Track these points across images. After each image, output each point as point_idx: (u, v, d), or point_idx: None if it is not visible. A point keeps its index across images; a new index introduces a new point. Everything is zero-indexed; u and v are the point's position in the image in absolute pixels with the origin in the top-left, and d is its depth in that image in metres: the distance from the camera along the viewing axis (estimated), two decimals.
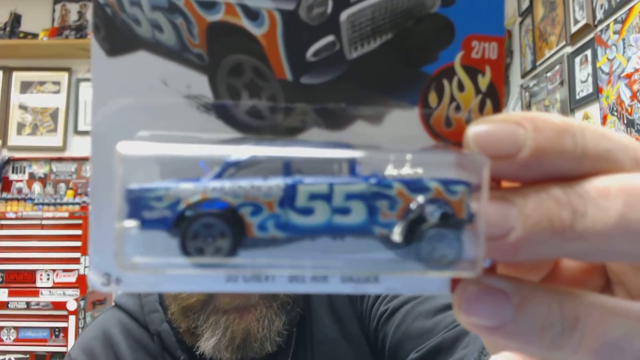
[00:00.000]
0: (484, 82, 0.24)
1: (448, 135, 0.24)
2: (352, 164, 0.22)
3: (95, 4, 0.22)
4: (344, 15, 0.23)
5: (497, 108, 0.24)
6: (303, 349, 0.81)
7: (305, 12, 0.22)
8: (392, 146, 0.23)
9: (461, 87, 0.24)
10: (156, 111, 0.22)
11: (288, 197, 0.21)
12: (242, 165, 0.21)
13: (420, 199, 0.22)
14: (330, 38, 0.23)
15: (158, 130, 0.22)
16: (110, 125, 0.22)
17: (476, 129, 0.22)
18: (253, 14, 0.22)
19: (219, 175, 0.21)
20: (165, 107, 0.22)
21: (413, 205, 0.22)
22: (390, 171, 0.22)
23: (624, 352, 0.22)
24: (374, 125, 0.23)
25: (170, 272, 0.22)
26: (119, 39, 0.22)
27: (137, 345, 0.78)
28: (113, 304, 0.85)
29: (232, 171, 0.21)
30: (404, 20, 0.24)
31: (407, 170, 0.22)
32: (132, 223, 0.21)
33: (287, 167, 0.21)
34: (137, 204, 0.21)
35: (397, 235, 0.21)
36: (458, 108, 0.24)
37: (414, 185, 0.22)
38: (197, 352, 0.73)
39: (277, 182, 0.21)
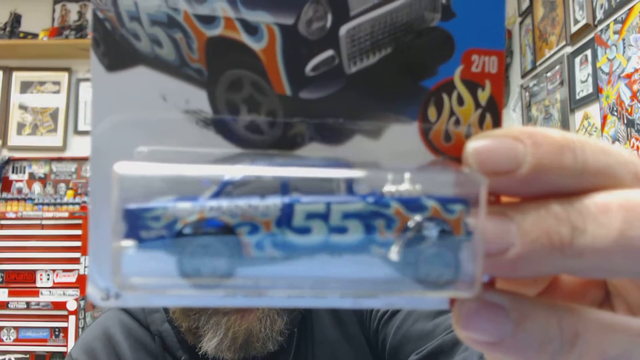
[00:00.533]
0: (483, 96, 0.24)
1: (447, 150, 0.24)
2: (349, 182, 0.22)
3: (95, 19, 0.22)
4: (343, 30, 0.23)
5: (497, 122, 0.24)
6: (304, 350, 0.81)
7: (305, 27, 0.22)
8: (391, 161, 0.23)
9: (461, 102, 0.24)
10: (155, 126, 0.22)
11: (285, 216, 0.21)
12: (240, 184, 0.21)
13: (418, 218, 0.21)
14: (329, 52, 0.23)
15: (157, 146, 0.22)
16: (110, 140, 0.22)
17: (475, 145, 0.22)
18: (252, 29, 0.22)
19: (216, 195, 0.21)
20: (164, 122, 0.22)
21: (410, 224, 0.21)
22: (389, 188, 0.22)
23: None
24: (373, 140, 0.23)
25: (168, 293, 0.22)
26: (118, 54, 0.22)
27: (138, 346, 0.78)
28: None
29: (229, 190, 0.21)
30: (403, 35, 0.23)
31: (405, 187, 0.22)
32: (129, 242, 0.21)
33: (285, 186, 0.21)
34: (135, 224, 0.21)
35: (394, 254, 0.21)
36: (457, 122, 0.24)
37: (412, 204, 0.21)
38: (198, 352, 0.74)
39: (275, 202, 0.21)
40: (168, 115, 0.22)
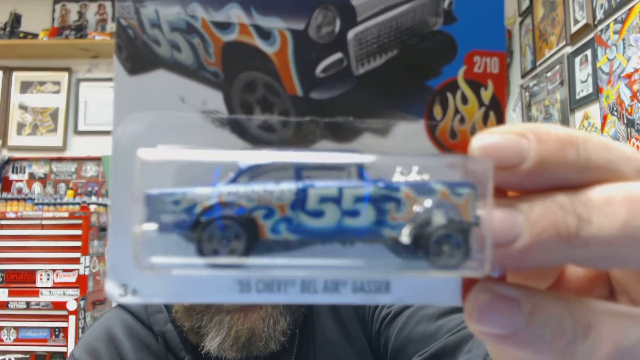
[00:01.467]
0: (486, 95, 0.25)
1: (453, 147, 0.25)
2: (360, 169, 0.23)
3: (118, 26, 0.24)
4: (351, 34, 0.24)
5: (501, 120, 0.25)
6: (306, 350, 0.81)
7: (315, 32, 0.24)
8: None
9: (465, 100, 0.25)
10: (174, 126, 0.24)
11: (299, 200, 0.22)
12: (255, 171, 0.22)
13: (427, 201, 0.22)
14: (338, 55, 0.24)
15: (175, 145, 0.23)
16: (130, 140, 0.23)
17: (481, 140, 0.22)
18: (265, 34, 0.24)
19: (233, 180, 0.22)
20: (182, 122, 0.24)
21: (420, 208, 0.22)
22: (398, 177, 0.23)
23: (637, 359, 0.22)
24: (381, 137, 0.24)
25: (187, 273, 0.23)
26: (140, 58, 0.24)
27: (141, 346, 0.78)
28: (115, 303, 0.84)
29: (245, 176, 0.22)
30: (408, 38, 0.25)
31: (414, 177, 0.23)
32: (151, 226, 0.22)
33: (298, 172, 0.22)
34: (156, 208, 0.22)
35: (405, 236, 0.22)
36: (462, 120, 0.25)
37: (421, 188, 0.23)
38: (201, 351, 0.74)
39: (289, 186, 0.22)
40: (186, 115, 0.24)
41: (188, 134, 0.24)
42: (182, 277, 0.23)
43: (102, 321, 0.83)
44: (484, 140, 0.22)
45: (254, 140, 0.24)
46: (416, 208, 0.22)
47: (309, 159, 0.23)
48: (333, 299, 0.23)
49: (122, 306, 0.82)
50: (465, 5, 0.25)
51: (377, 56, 0.24)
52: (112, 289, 0.23)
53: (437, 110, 0.25)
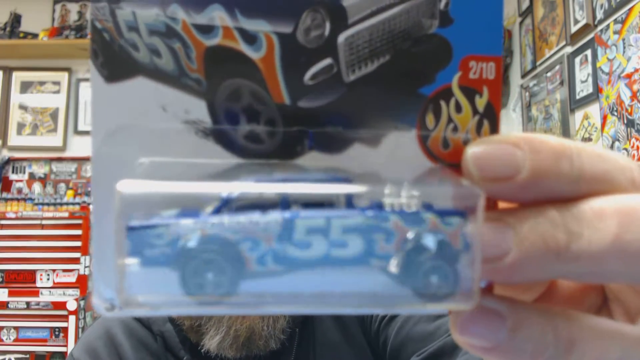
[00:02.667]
0: (481, 102, 0.24)
1: (445, 157, 0.24)
2: (348, 195, 0.22)
3: (93, 29, 0.22)
4: (341, 38, 0.23)
5: (495, 129, 0.24)
6: (306, 349, 0.81)
7: (303, 35, 0.22)
8: (390, 168, 0.23)
9: (458, 108, 0.24)
10: (155, 137, 0.23)
11: (286, 231, 0.21)
12: (240, 199, 0.21)
13: (416, 230, 0.22)
14: (327, 61, 0.23)
15: (157, 156, 0.22)
16: (111, 151, 0.22)
17: (474, 151, 0.22)
18: (251, 38, 0.22)
19: (217, 210, 0.21)
20: (164, 132, 0.23)
21: (409, 237, 0.22)
22: (388, 197, 0.22)
23: None
24: (372, 148, 0.23)
25: (174, 311, 0.22)
26: (117, 64, 0.22)
27: (140, 345, 0.78)
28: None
29: (230, 205, 0.21)
30: (401, 42, 0.23)
31: (404, 200, 0.22)
32: (133, 260, 0.21)
33: (285, 200, 0.21)
34: (138, 242, 0.21)
35: (393, 267, 0.21)
36: (455, 129, 0.24)
37: (410, 218, 0.22)
38: (201, 350, 0.73)
39: (275, 217, 0.21)
40: (168, 125, 0.23)
41: (170, 146, 0.22)
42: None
43: (101, 321, 0.83)
44: (478, 150, 0.22)
45: (240, 151, 0.23)
46: (405, 237, 0.22)
47: (295, 190, 0.22)
48: (321, 310, 0.23)
49: None
50: (463, 6, 0.23)
51: (369, 62, 0.23)
52: (100, 303, 0.22)
53: (430, 119, 0.24)
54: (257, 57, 0.23)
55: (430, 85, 0.24)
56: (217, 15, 0.22)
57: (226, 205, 0.21)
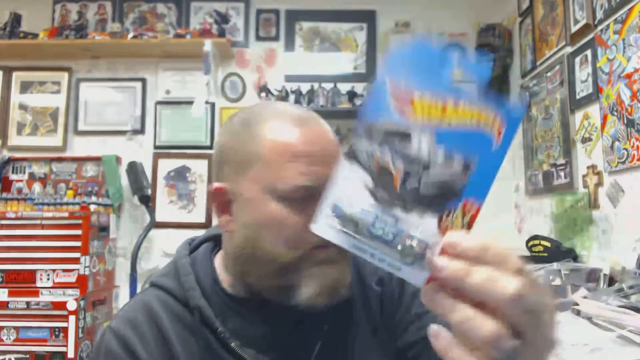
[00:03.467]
0: (465, 219, 0.47)
1: (445, 228, 0.47)
2: None
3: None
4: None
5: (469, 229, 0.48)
6: (339, 330, 0.84)
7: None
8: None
9: (456, 218, 0.47)
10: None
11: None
12: None
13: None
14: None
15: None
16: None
17: (449, 239, 0.45)
18: None
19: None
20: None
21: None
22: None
23: None
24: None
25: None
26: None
27: (177, 319, 0.81)
28: (148, 285, 0.87)
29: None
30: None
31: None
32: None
33: None
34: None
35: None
36: (452, 223, 0.47)
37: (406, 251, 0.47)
38: (229, 328, 0.78)
39: None
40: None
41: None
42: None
43: (138, 298, 0.86)
44: (451, 240, 0.45)
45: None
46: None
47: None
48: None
49: (156, 285, 0.85)
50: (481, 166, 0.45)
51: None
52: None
53: (444, 218, 0.47)
54: None
55: (450, 203, 0.47)
56: None
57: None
